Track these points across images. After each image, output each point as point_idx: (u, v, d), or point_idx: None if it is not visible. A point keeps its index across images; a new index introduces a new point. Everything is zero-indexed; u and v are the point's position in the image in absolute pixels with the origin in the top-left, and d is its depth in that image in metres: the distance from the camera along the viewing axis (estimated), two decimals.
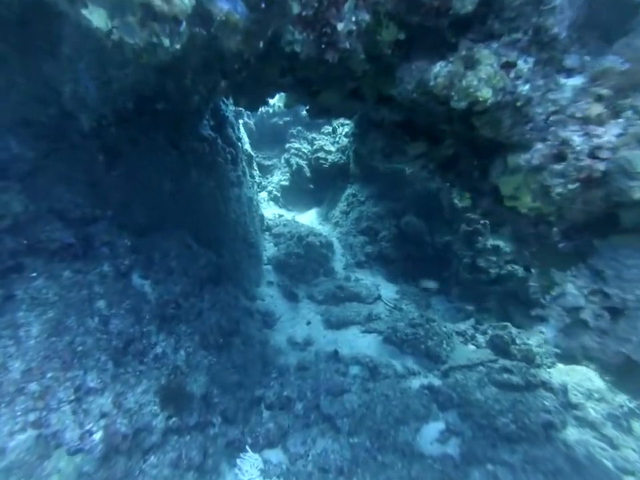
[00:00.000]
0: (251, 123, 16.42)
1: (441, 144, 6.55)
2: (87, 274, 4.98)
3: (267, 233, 12.88)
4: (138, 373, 4.85)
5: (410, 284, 11.46)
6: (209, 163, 8.76)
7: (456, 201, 10.53)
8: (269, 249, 11.95)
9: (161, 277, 6.06)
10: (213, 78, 5.65)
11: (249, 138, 14.87)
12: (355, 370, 7.70)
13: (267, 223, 13.17)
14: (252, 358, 7.18)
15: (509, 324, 8.66)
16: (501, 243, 9.70)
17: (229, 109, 11.29)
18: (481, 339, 8.66)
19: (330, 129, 16.87)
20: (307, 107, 9.24)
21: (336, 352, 8.06)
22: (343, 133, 16.47)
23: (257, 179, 15.13)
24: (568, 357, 8.10)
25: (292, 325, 9.35)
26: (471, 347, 8.44)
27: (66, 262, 4.79)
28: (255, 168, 15.27)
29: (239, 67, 5.21)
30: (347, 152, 15.73)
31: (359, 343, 8.62)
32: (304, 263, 11.23)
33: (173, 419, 4.86)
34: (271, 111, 17.18)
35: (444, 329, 8.45)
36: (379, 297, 10.61)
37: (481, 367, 7.34)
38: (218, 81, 5.87)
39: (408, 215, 12.06)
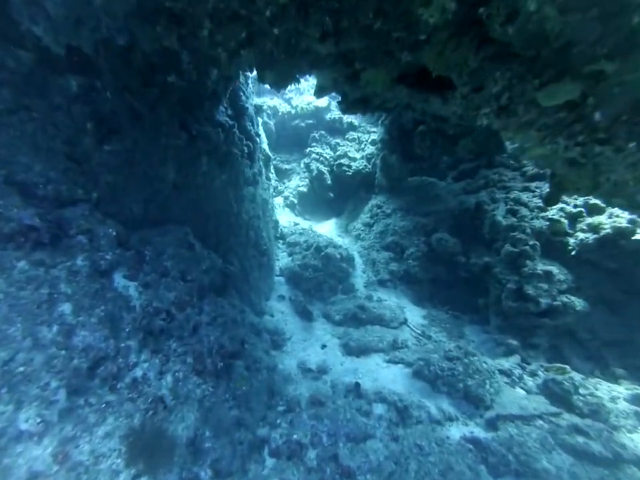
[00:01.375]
0: (271, 123, 15.41)
1: None
2: (51, 268, 3.77)
3: (281, 241, 11.67)
4: (104, 405, 3.57)
5: (439, 309, 10.07)
6: (223, 154, 7.62)
7: (499, 218, 9.20)
8: (282, 259, 10.70)
9: (152, 279, 4.83)
10: (237, 33, 4.53)
11: (267, 139, 13.83)
12: (379, 409, 6.32)
13: (281, 230, 11.96)
14: (257, 387, 5.85)
15: (567, 367, 7.20)
16: (554, 269, 8.32)
17: (249, 101, 10.25)
18: (530, 381, 7.21)
19: (355, 135, 15.80)
20: (341, 97, 8.15)
21: (357, 385, 6.70)
22: (370, 141, 15.38)
23: (273, 182, 13.99)
24: None
25: (304, 347, 8.02)
26: (520, 391, 6.99)
27: (23, 250, 3.58)
28: (272, 171, 14.16)
29: (271, 15, 4.07)
30: (373, 160, 14.59)
31: (383, 375, 7.25)
32: (321, 277, 9.95)
33: None
34: (293, 112, 16.18)
35: (485, 366, 7.04)
36: (405, 322, 9.25)
37: (540, 421, 5.90)
38: (242, 42, 4.75)
39: (440, 232, 10.76)
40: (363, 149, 15.24)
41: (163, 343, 4.42)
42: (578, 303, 8.01)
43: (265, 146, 13.07)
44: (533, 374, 7.37)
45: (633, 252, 7.96)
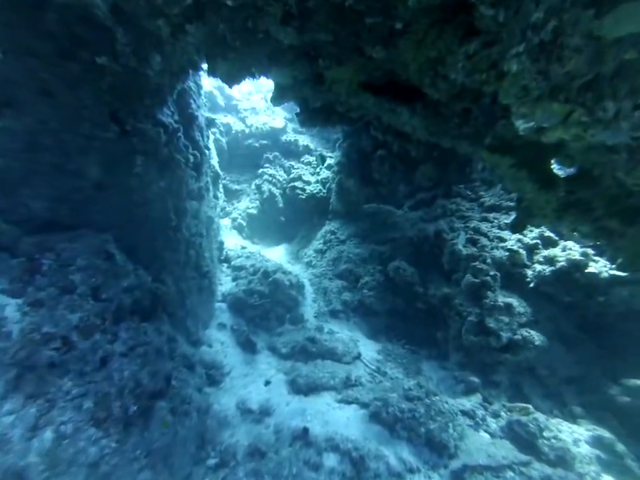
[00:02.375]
0: (223, 141, 14.58)
1: None
2: None
3: (225, 264, 10.60)
4: None
5: (395, 343, 9.39)
6: (164, 158, 6.65)
7: (459, 247, 8.85)
8: (226, 284, 9.63)
9: (48, 295, 3.69)
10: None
11: (218, 157, 12.94)
12: (331, 461, 5.36)
13: (226, 252, 10.92)
14: (183, 435, 4.70)
15: (530, 406, 6.70)
16: (514, 301, 7.98)
17: (200, 111, 9.43)
18: (493, 423, 6.60)
19: (310, 159, 15.32)
20: (300, 107, 7.56)
21: (305, 430, 5.71)
22: (326, 165, 14.94)
23: (221, 201, 13.00)
24: (621, 469, 6.15)
25: (245, 383, 6.93)
26: (484, 434, 6.34)
27: None
28: (221, 190, 13.19)
29: None
30: (328, 184, 14.10)
31: (335, 417, 6.32)
32: (267, 305, 8.97)
33: None
34: (247, 131, 15.49)
35: (446, 406, 6.35)
36: (359, 356, 8.44)
37: (511, 473, 5.23)
38: (187, 11, 3.98)
39: (397, 261, 10.26)
40: (318, 173, 14.75)
41: (50, 382, 3.26)
42: (537, 337, 7.67)
43: (215, 163, 12.16)
44: (496, 415, 6.79)
45: (585, 285, 7.83)
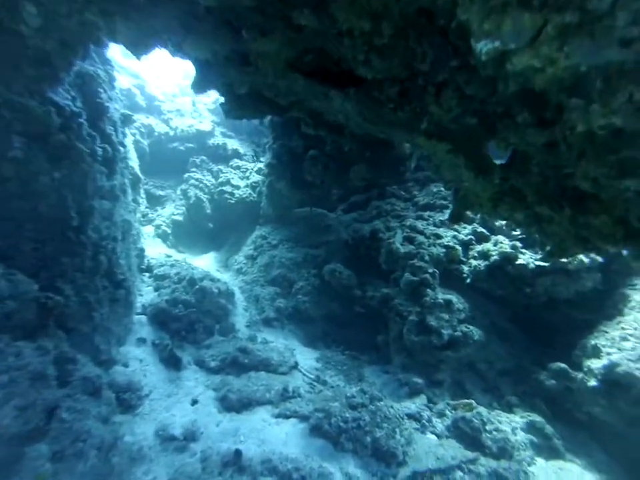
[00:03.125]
0: (144, 143, 13.39)
1: None
2: None
3: (147, 274, 9.50)
4: None
5: (334, 350, 8.92)
6: (60, 145, 5.64)
7: (397, 246, 8.67)
8: (147, 294, 8.57)
9: None
10: None
11: (139, 160, 11.83)
12: None
13: (148, 261, 9.82)
14: None
15: (472, 401, 6.54)
16: (453, 298, 7.90)
17: (113, 104, 8.44)
18: (439, 423, 6.33)
19: (240, 163, 14.61)
20: (225, 96, 6.93)
21: (238, 453, 4.98)
22: (255, 169, 14.33)
23: (142, 207, 11.85)
24: (550, 450, 6.17)
25: (168, 405, 6.01)
26: (431, 436, 6.03)
27: None
28: (142, 195, 12.05)
29: None
30: (258, 188, 13.48)
31: (273, 434, 5.64)
32: (194, 315, 8.08)
33: None
34: (171, 133, 14.42)
35: (392, 411, 5.95)
36: (296, 366, 7.83)
37: (460, 472, 4.92)
38: None
39: (333, 263, 9.87)
40: (247, 177, 14.08)
41: None
42: (475, 332, 7.64)
43: (135, 165, 11.06)
44: (441, 414, 6.54)
45: (515, 278, 8.00)
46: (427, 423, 6.25)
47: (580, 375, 6.61)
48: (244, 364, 7.31)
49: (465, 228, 9.38)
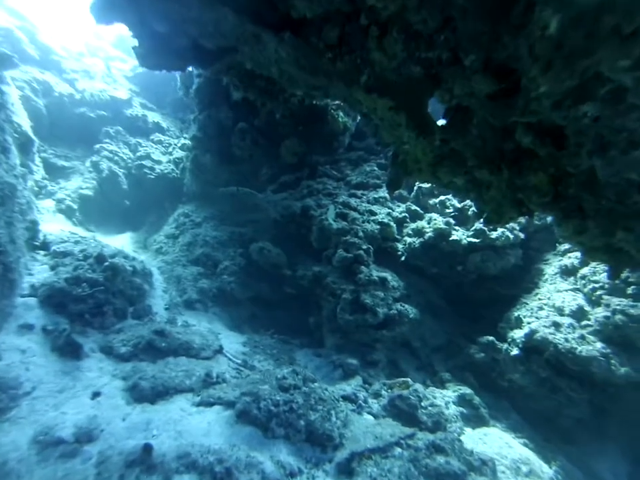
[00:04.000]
0: (40, 103, 11.50)
1: None
2: None
3: (42, 252, 8.06)
4: None
5: (263, 334, 8.29)
6: None
7: (330, 221, 8.25)
8: (39, 273, 7.21)
9: None
10: None
11: (34, 122, 10.10)
12: None
13: (44, 236, 8.36)
14: None
15: (409, 379, 6.33)
16: (387, 275, 7.66)
17: None
18: (375, 404, 6.02)
19: (162, 137, 13.28)
20: (139, 32, 5.92)
21: (147, 448, 4.18)
22: (179, 145, 13.11)
23: (37, 176, 10.18)
24: (477, 419, 6.17)
25: (59, 402, 4.98)
26: (368, 417, 5.69)
27: None
28: (38, 163, 10.34)
29: None
30: (182, 165, 12.32)
31: (192, 425, 4.90)
32: (101, 296, 6.96)
33: None
34: (78, 97, 12.63)
35: (327, 394, 5.50)
36: (220, 350, 7.09)
37: (399, 449, 4.60)
38: None
39: (261, 242, 9.21)
40: (170, 153, 12.83)
41: None
42: (411, 310, 7.48)
43: (24, 124, 9.37)
44: (377, 394, 6.24)
45: (448, 255, 8.00)
46: (363, 404, 5.91)
47: (505, 346, 6.74)
48: (160, 348, 6.43)
49: (398, 206, 9.26)
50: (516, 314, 6.84)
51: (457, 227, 7.95)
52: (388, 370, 7.23)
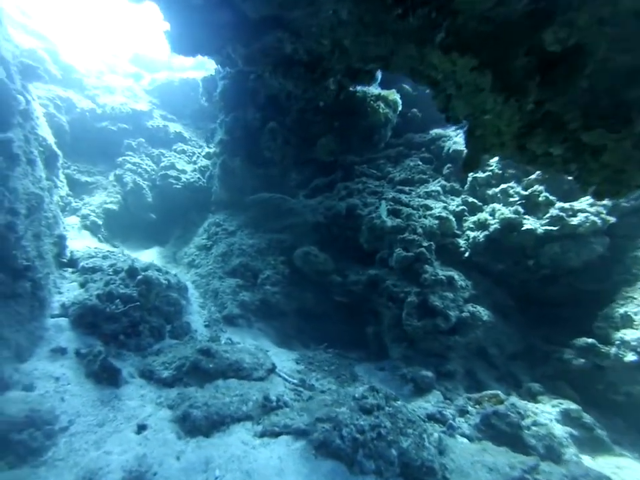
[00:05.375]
0: (63, 119, 11.05)
1: None
2: None
3: (70, 269, 7.39)
4: None
5: (315, 348, 7.40)
6: None
7: (384, 218, 7.39)
8: (68, 291, 6.51)
9: None
10: None
11: (57, 138, 9.63)
12: None
13: (71, 253, 7.70)
14: None
15: (499, 392, 5.35)
16: (454, 274, 6.75)
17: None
18: (463, 423, 5.04)
19: (185, 147, 12.72)
20: (171, 22, 5.27)
21: None
22: (204, 154, 12.52)
23: (62, 191, 9.63)
24: (593, 443, 5.09)
25: (99, 439, 4.18)
26: (462, 439, 4.72)
27: None
28: (62, 179, 9.81)
29: None
30: (208, 173, 11.68)
31: (260, 461, 4.02)
32: (137, 314, 6.21)
33: None
34: (99, 111, 12.18)
35: (414, 413, 4.57)
36: (274, 369, 6.23)
37: None
38: None
39: (305, 246, 8.40)
40: (195, 162, 12.24)
41: None
42: (483, 312, 6.54)
43: (49, 138, 8.87)
44: (463, 411, 5.28)
45: (517, 248, 7.04)
46: (453, 424, 4.92)
47: (612, 350, 5.68)
48: (207, 370, 5.60)
49: (453, 200, 8.38)
50: (621, 311, 5.81)
51: (526, 216, 7.01)
52: (466, 382, 6.25)
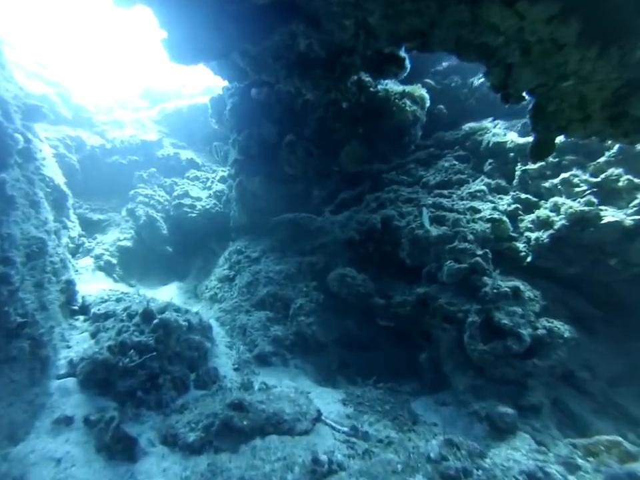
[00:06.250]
0: (73, 158, 10.59)
1: None
2: None
3: (81, 317, 6.64)
4: None
5: (363, 384, 6.35)
6: None
7: (428, 227, 6.37)
8: (78, 344, 5.72)
9: None
10: None
11: (68, 178, 9.15)
12: None
13: (82, 299, 6.98)
14: None
15: (618, 437, 4.16)
16: (519, 284, 5.65)
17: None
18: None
19: (198, 173, 12.10)
20: (167, 29, 4.56)
21: None
22: (218, 178, 11.86)
23: (74, 232, 9.02)
24: None
25: None
26: None
27: None
28: (73, 219, 9.23)
29: None
30: (224, 198, 10.96)
31: None
32: (155, 364, 5.34)
33: None
34: (109, 146, 11.73)
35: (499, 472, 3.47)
36: (319, 417, 5.22)
37: None
38: None
39: (339, 268, 7.44)
40: (209, 187, 11.56)
41: None
42: (563, 327, 5.37)
43: (59, 180, 8.33)
44: (569, 465, 4.08)
45: (593, 245, 5.88)
46: None
47: None
48: (241, 428, 4.65)
49: (501, 199, 7.31)
50: None
51: (602, 207, 5.87)
52: (556, 417, 5.06)
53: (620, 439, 4.11)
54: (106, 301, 6.96)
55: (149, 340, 5.50)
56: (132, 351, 5.24)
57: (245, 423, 4.70)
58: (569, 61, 3.42)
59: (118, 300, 7.02)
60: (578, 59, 3.36)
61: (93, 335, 5.86)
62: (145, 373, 5.23)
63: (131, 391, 4.97)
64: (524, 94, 4.15)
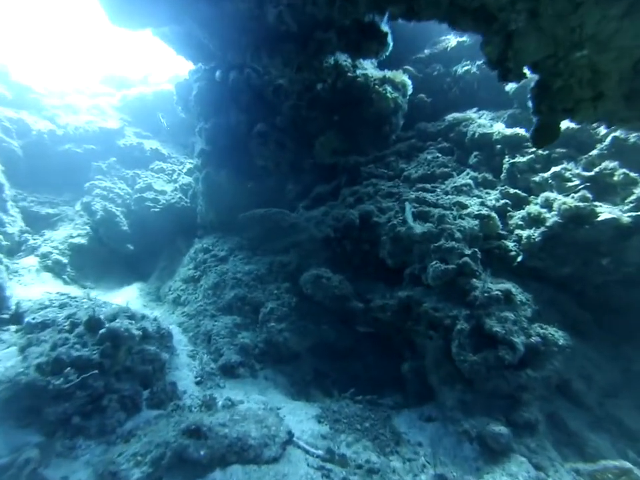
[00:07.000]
0: (14, 144, 9.48)
1: None
2: None
3: (13, 327, 5.72)
4: None
5: (340, 398, 5.72)
6: None
7: (410, 224, 5.79)
8: (1, 362, 4.82)
9: None
10: None
11: (7, 166, 8.14)
12: None
13: (16, 305, 6.05)
14: None
15: (627, 463, 3.69)
16: (510, 286, 5.14)
17: None
18: None
19: (164, 165, 11.18)
20: None
21: None
22: (185, 170, 10.99)
23: (10, 228, 8.01)
24: None
25: None
26: None
27: None
28: (13, 213, 8.22)
29: None
30: (191, 191, 10.11)
31: None
32: (99, 383, 4.54)
33: None
34: (60, 132, 10.65)
35: None
36: (290, 439, 4.56)
37: None
38: None
39: (313, 268, 6.79)
40: (175, 180, 10.68)
41: None
42: (557, 334, 4.90)
43: None
44: None
45: (586, 244, 5.45)
46: None
47: None
48: (198, 460, 3.94)
49: (488, 193, 6.84)
50: None
51: (597, 203, 5.44)
52: (552, 435, 4.58)
53: (629, 465, 3.65)
54: (46, 307, 6.05)
55: (93, 354, 4.70)
56: (69, 368, 4.43)
57: (202, 452, 3.99)
58: (585, 22, 2.86)
59: (62, 306, 6.12)
60: (597, 20, 2.81)
61: (22, 350, 4.98)
62: (86, 395, 4.43)
63: (64, 417, 4.17)
64: (525, 69, 3.61)
